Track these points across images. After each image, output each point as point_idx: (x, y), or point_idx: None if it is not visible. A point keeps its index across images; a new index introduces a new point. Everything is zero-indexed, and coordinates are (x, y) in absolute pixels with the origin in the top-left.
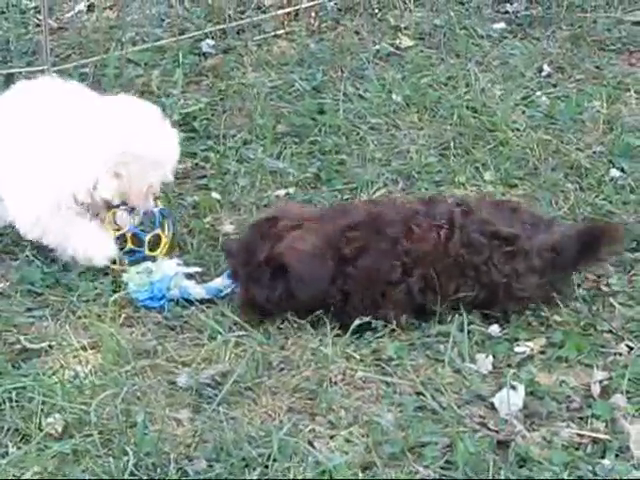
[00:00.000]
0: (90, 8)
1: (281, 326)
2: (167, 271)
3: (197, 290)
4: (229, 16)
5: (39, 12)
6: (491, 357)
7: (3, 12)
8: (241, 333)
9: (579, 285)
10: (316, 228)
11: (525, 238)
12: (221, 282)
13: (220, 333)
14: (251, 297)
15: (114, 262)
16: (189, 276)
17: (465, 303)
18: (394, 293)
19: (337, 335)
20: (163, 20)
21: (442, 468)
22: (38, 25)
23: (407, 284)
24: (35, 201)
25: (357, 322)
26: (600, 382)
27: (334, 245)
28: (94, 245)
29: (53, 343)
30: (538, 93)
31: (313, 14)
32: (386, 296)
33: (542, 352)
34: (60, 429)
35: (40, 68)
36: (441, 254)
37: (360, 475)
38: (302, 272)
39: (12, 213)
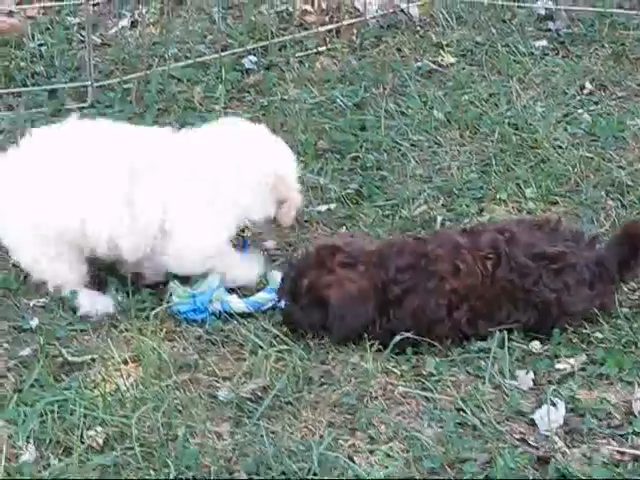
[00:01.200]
0: (133, 24)
1: (322, 341)
2: (210, 284)
3: (239, 304)
4: (271, 32)
5: (83, 28)
6: (532, 373)
7: (48, 28)
8: (282, 347)
9: (621, 303)
10: (367, 270)
11: (571, 253)
12: (263, 296)
13: (261, 347)
14: (290, 315)
15: None
16: (231, 290)
17: (517, 327)
18: (439, 329)
19: (378, 350)
20: (205, 36)
21: None
22: (82, 41)
23: (453, 320)
24: (216, 235)
25: (397, 338)
26: None
27: (382, 288)
28: (249, 267)
29: (95, 356)
30: (580, 110)
31: (355, 31)
32: (431, 332)
33: (583, 369)
34: (101, 442)
35: (83, 84)
36: (489, 285)
37: None
38: (341, 311)
39: (181, 251)
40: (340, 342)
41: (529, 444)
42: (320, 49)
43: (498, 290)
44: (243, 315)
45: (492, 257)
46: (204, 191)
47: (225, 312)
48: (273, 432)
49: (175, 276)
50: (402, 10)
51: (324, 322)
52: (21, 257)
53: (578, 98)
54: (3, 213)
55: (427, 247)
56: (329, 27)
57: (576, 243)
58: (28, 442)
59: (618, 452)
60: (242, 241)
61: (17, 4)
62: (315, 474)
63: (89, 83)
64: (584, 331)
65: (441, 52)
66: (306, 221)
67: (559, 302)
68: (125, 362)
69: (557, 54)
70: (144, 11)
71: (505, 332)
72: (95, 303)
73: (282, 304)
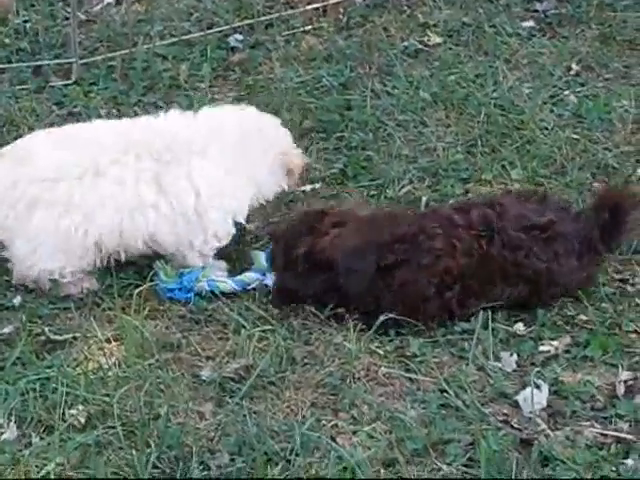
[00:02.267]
0: (118, 1)
1: (305, 321)
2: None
3: (225, 283)
4: (257, 11)
5: (68, 5)
6: (515, 355)
7: (32, 5)
8: (265, 327)
9: (604, 284)
10: (360, 229)
11: (559, 222)
12: (249, 275)
13: (244, 327)
14: (286, 286)
15: None
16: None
17: (508, 302)
18: (428, 307)
19: (361, 331)
20: (191, 14)
21: (465, 466)
22: (67, 18)
23: (443, 299)
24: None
25: (382, 318)
26: (625, 382)
27: (376, 253)
28: None
29: (77, 335)
30: (566, 92)
31: (341, 10)
32: (418, 310)
33: (567, 351)
34: (83, 420)
35: (68, 61)
36: (483, 263)
37: (382, 471)
38: (349, 265)
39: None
40: (353, 301)
41: (512, 426)
42: (306, 28)
43: (492, 268)
44: (227, 295)
45: (486, 234)
46: (227, 171)
47: (211, 291)
48: (256, 412)
49: (161, 255)
50: None
51: (330, 286)
52: (30, 269)
53: (565, 79)
54: (24, 219)
55: (424, 222)
56: (316, 5)
57: (564, 213)
58: (9, 420)
59: (601, 434)
60: None
61: None
62: (297, 454)
63: (74, 60)
64: (568, 313)
65: (428, 32)
66: (291, 201)
67: (549, 272)
68: (108, 341)
69: (544, 35)
70: None
71: (489, 313)
72: (79, 282)
73: (268, 282)
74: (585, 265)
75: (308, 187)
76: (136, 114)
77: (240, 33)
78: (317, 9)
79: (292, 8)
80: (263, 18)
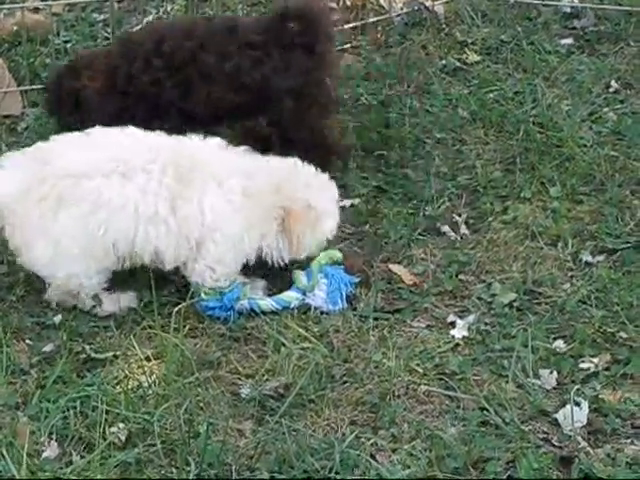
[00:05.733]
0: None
1: (344, 338)
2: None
3: (266, 302)
4: None
5: (108, 25)
6: (555, 373)
7: (73, 25)
8: (305, 345)
9: None
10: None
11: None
12: (289, 294)
13: (284, 345)
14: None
15: None
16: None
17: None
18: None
19: (400, 348)
20: None
21: None
22: (107, 38)
23: (166, 94)
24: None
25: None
26: None
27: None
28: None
29: (118, 353)
30: (605, 109)
31: (380, 29)
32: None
33: (607, 368)
34: (123, 438)
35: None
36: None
37: None
38: (94, 105)
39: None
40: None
41: (552, 444)
42: (345, 46)
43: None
44: (266, 313)
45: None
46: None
47: (252, 310)
48: (295, 430)
49: None
50: (427, 8)
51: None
52: (55, 273)
53: (603, 96)
54: (49, 218)
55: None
56: (354, 24)
57: None
58: (50, 438)
59: None
60: None
61: (42, 0)
62: (337, 472)
63: None
64: (608, 330)
65: (466, 50)
66: None
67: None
68: (148, 359)
69: (583, 52)
70: (169, 8)
71: (529, 331)
72: (117, 301)
73: (309, 301)
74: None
75: (347, 202)
76: None
77: None
78: (355, 28)
79: None
80: None
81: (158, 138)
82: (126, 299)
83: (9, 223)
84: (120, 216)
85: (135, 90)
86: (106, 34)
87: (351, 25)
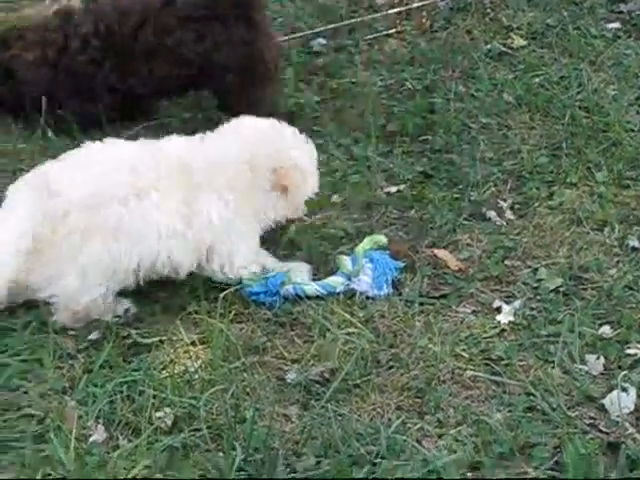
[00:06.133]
0: None
1: (390, 324)
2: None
3: (311, 287)
4: (341, 15)
5: None
6: (602, 358)
7: None
8: (350, 330)
9: None
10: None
11: None
12: (334, 280)
13: (329, 330)
14: None
15: None
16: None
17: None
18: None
19: (446, 334)
20: (275, 19)
21: (551, 469)
22: None
23: (103, 74)
24: None
25: None
26: None
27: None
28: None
29: (163, 338)
30: None
31: (425, 13)
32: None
33: None
34: (170, 423)
35: None
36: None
37: (468, 475)
38: (27, 77)
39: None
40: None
41: (599, 430)
42: (390, 32)
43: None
44: (311, 298)
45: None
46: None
47: (297, 295)
48: (341, 415)
49: None
50: None
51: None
52: (77, 300)
53: None
54: (72, 260)
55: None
56: (399, 10)
57: None
58: (97, 422)
59: None
60: None
61: None
62: (383, 457)
63: None
64: None
65: (511, 35)
66: (375, 204)
67: None
68: (193, 344)
69: (629, 36)
70: None
71: (576, 316)
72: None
73: (354, 286)
74: None
75: (393, 189)
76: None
77: (324, 37)
78: (400, 13)
79: (375, 12)
80: (346, 22)
81: (147, 148)
82: (119, 304)
83: (33, 260)
84: (143, 238)
85: (70, 67)
86: None
87: (396, 10)
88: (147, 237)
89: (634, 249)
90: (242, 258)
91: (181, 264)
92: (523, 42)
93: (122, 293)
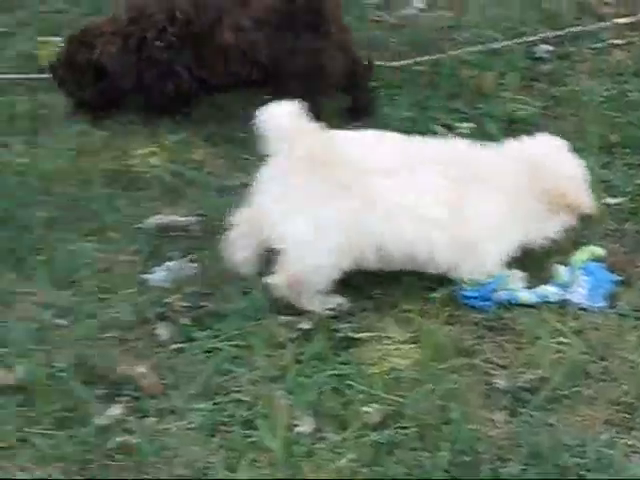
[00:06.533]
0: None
1: (602, 336)
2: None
3: (525, 294)
4: (566, 22)
5: (378, 8)
6: None
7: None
8: (561, 340)
9: None
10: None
11: None
12: (549, 289)
13: (540, 338)
14: (79, 98)
15: None
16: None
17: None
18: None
19: None
20: (500, 23)
21: None
22: (377, 21)
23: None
24: None
25: None
26: None
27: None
28: None
29: (374, 334)
30: None
31: None
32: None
33: None
34: (378, 419)
35: (378, 63)
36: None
37: None
38: (116, 69)
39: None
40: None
41: None
42: (615, 42)
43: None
44: (522, 305)
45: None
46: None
47: (508, 301)
48: (549, 424)
49: None
50: None
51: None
52: (304, 257)
53: None
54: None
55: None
56: (626, 20)
57: None
58: (305, 413)
59: None
60: None
61: None
62: (589, 470)
63: (383, 63)
64: None
65: None
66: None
67: None
68: (404, 342)
69: None
70: None
71: None
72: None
73: (568, 297)
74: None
75: (612, 200)
76: (437, 119)
77: (548, 44)
78: (627, 23)
79: (601, 20)
80: (571, 30)
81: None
82: (333, 302)
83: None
84: (396, 216)
85: (151, 54)
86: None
87: (623, 20)
88: (400, 215)
89: None
90: (495, 261)
91: (437, 254)
92: None
93: (336, 290)
